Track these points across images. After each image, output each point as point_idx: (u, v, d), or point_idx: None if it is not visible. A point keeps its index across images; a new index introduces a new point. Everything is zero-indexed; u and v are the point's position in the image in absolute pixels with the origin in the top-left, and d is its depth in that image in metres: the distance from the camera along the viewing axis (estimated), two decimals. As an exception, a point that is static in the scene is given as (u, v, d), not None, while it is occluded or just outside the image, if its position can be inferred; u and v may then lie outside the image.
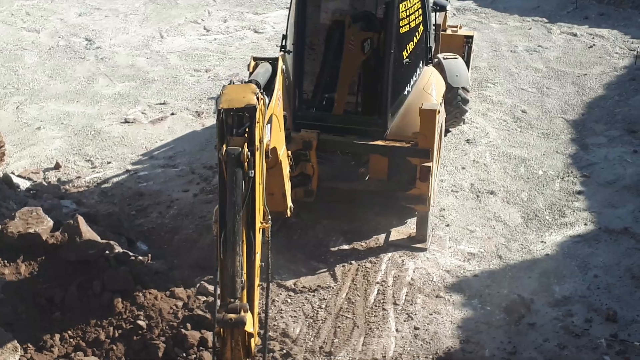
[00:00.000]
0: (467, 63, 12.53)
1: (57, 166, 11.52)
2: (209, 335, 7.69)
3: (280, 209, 7.93)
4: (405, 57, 9.63)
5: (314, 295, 8.81)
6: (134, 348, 7.67)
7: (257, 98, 6.15)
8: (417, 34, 9.89)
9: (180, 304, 8.12)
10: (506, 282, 9.14)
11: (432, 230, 9.95)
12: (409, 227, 9.99)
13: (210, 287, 8.36)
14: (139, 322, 7.79)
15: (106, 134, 12.60)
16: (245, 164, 5.96)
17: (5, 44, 16.24)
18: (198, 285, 8.53)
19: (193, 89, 14.33)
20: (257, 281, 6.29)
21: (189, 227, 10.00)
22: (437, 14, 11.63)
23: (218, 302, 6.03)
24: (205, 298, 8.31)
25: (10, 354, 7.26)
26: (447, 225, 10.20)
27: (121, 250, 8.59)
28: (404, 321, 8.46)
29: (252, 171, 6.02)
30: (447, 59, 11.82)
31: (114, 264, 8.27)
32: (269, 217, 6.39)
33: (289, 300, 8.75)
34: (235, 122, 6.08)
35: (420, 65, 10.21)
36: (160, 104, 13.69)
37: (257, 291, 6.34)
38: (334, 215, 10.12)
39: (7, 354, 7.24)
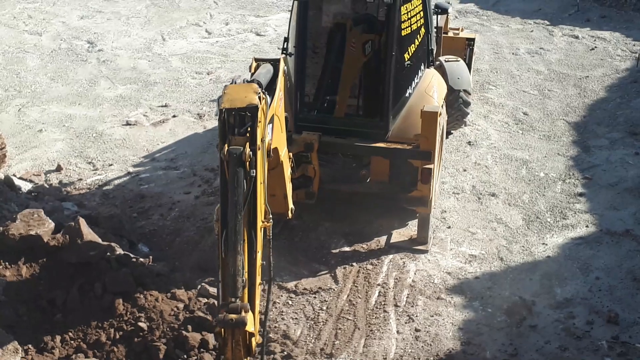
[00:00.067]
0: (469, 65, 12.51)
1: (58, 168, 11.54)
2: (209, 337, 7.72)
3: (282, 210, 7.94)
4: (406, 59, 9.64)
5: (315, 297, 8.81)
6: (135, 350, 7.66)
7: (259, 98, 6.16)
8: (418, 36, 9.90)
9: (181, 305, 8.11)
10: (507, 284, 9.14)
11: (433, 232, 9.95)
12: (410, 229, 10.00)
13: (211, 289, 8.35)
14: (140, 324, 7.78)
15: (108, 136, 12.61)
16: (247, 163, 5.97)
17: (7, 47, 16.26)
18: (199, 287, 8.51)
19: (195, 91, 14.34)
20: (258, 280, 6.29)
21: (190, 229, 10.00)
22: (439, 16, 11.63)
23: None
24: (206, 300, 8.29)
25: (11, 355, 7.26)
26: (449, 227, 10.20)
27: (122, 252, 8.57)
28: (405, 323, 8.46)
29: (254, 170, 6.03)
30: (448, 61, 11.80)
31: (115, 265, 8.26)
32: (271, 216, 6.39)
33: (290, 302, 8.75)
34: (237, 122, 6.09)
35: (422, 67, 10.22)
36: (162, 106, 13.70)
37: (259, 290, 6.34)
38: (336, 217, 10.13)
39: (8, 355, 7.24)
